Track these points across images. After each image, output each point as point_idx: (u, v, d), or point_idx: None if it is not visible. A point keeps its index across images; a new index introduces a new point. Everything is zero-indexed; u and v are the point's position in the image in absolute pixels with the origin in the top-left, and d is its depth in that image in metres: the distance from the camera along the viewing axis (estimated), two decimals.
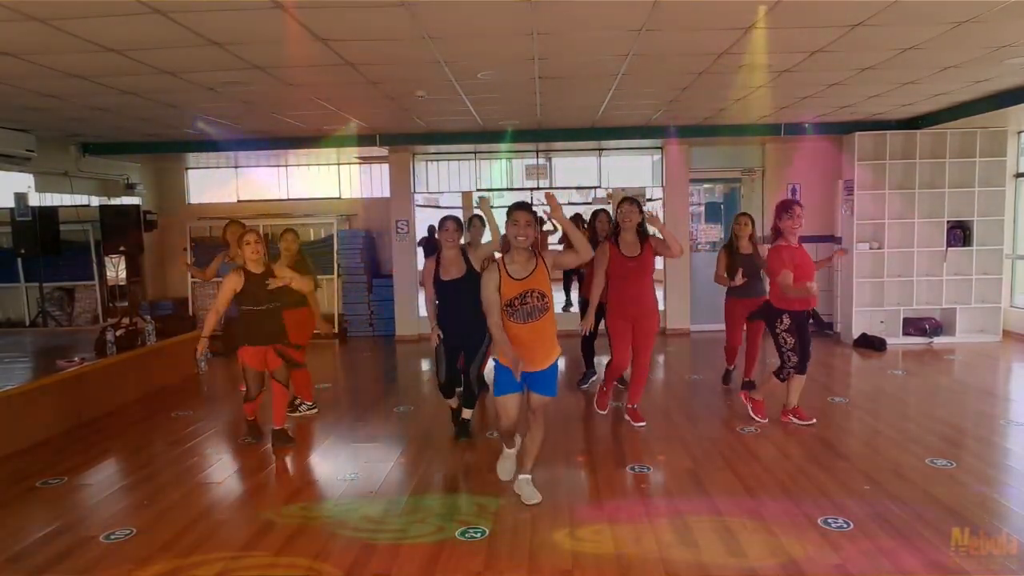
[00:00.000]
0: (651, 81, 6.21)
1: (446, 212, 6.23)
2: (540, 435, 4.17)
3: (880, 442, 5.14)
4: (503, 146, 9.47)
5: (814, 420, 5.41)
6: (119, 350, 6.69)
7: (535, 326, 3.89)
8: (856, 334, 8.85)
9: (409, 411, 6.24)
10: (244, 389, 5.39)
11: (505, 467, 4.38)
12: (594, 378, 6.86)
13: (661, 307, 10.05)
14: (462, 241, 5.25)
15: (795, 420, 5.41)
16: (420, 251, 10.68)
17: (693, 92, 6.63)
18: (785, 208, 5.21)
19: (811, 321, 5.37)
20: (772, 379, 5.43)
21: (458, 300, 5.01)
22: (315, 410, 6.11)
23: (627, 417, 5.59)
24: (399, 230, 10.00)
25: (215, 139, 8.70)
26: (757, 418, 5.51)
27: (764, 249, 6.09)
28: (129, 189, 10.20)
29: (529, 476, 4.19)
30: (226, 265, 6.35)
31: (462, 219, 5.28)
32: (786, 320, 5.24)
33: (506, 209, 4.03)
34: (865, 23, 4.52)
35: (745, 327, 6.42)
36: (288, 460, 5.09)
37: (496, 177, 10.47)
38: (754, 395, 5.65)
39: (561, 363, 5.95)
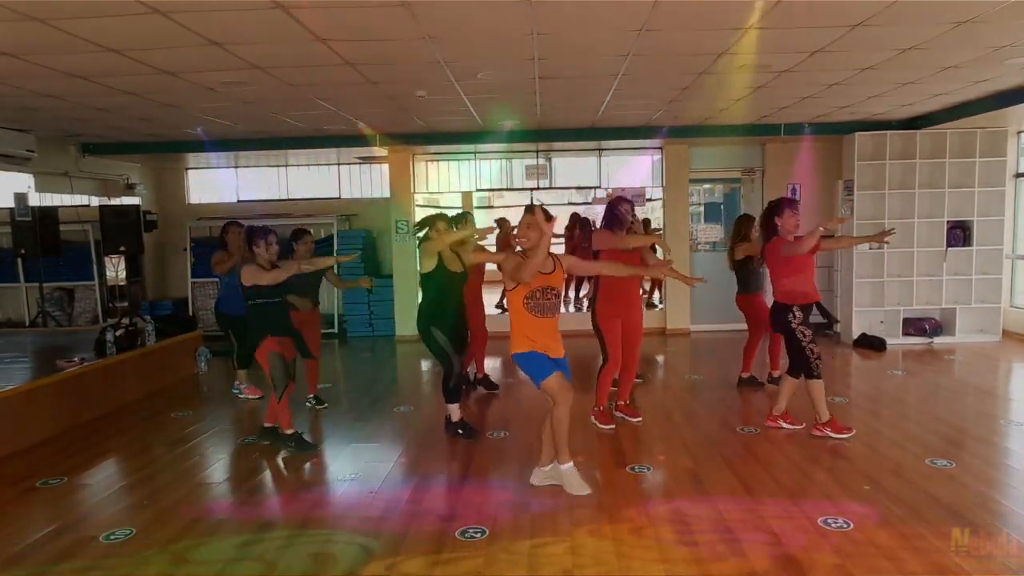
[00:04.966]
0: (651, 81, 6.20)
1: (455, 211, 6.40)
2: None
3: (880, 442, 5.13)
4: (502, 145, 9.46)
5: (803, 424, 5.28)
6: (119, 350, 6.68)
7: (551, 321, 4.17)
8: (856, 334, 8.85)
9: (409, 411, 6.24)
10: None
11: (541, 476, 4.38)
12: None
13: (661, 307, 10.24)
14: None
15: (783, 424, 5.33)
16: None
17: (693, 92, 6.63)
18: (786, 207, 5.11)
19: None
20: (788, 380, 5.29)
21: (451, 292, 5.34)
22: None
23: (619, 414, 5.59)
24: (399, 230, 10.00)
25: (215, 140, 8.71)
26: (768, 424, 5.38)
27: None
28: (129, 189, 10.20)
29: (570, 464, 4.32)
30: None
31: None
32: (798, 314, 5.09)
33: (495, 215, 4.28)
34: (865, 23, 4.52)
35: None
36: (288, 460, 5.08)
37: (496, 177, 10.47)
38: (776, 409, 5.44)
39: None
